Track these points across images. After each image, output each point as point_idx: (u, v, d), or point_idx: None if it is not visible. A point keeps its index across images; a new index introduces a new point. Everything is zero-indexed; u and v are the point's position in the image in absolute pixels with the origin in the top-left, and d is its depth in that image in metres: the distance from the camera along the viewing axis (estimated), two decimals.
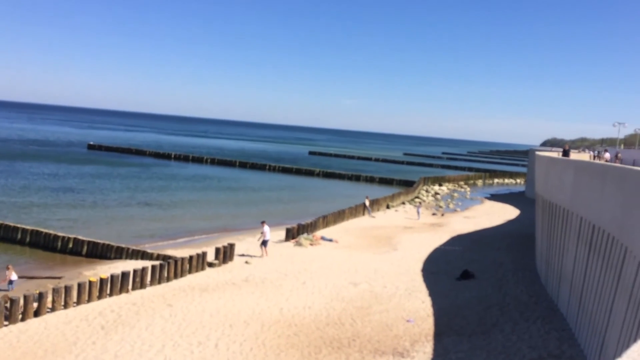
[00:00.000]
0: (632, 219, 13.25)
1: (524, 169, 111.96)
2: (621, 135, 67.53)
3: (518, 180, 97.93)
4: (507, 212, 52.69)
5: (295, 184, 68.06)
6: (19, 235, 28.72)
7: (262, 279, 23.44)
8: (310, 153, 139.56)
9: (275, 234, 34.05)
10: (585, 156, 39.72)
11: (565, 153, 32.05)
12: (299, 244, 30.92)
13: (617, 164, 21.53)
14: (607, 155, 38.07)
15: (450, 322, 19.19)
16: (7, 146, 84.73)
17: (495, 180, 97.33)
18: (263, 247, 27.58)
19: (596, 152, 46.20)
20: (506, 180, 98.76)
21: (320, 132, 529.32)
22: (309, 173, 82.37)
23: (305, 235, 32.32)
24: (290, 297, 21.07)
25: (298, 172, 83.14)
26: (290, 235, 32.29)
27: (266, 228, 27.64)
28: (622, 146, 65.96)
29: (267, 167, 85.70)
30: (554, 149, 77.05)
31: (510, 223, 45.98)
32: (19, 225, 29.26)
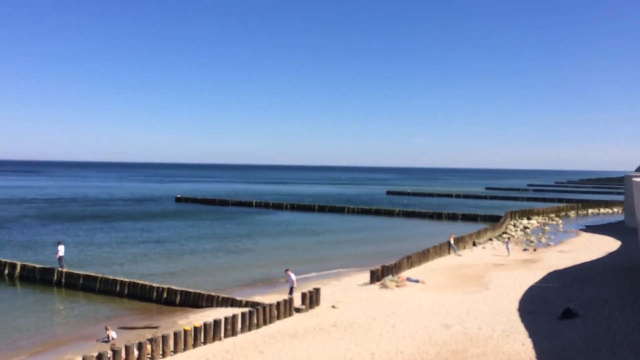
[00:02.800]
0: None
1: (620, 197, 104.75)
2: None
3: (615, 209, 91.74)
4: (606, 244, 49.12)
5: (376, 225, 67.51)
6: (118, 288, 30.36)
7: (350, 324, 23.06)
8: (388, 193, 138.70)
9: (359, 277, 33.78)
10: None
11: None
12: (384, 286, 30.30)
13: None
14: None
15: None
16: (103, 204, 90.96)
17: (590, 211, 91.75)
18: (289, 295, 27.02)
19: None
20: (601, 210, 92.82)
21: (393, 172, 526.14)
22: (389, 213, 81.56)
23: (390, 276, 31.66)
24: (381, 342, 20.50)
25: (377, 212, 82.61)
26: (375, 277, 31.76)
27: (292, 276, 27.47)
28: None
29: (346, 209, 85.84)
30: None
31: (611, 255, 42.74)
32: (117, 278, 30.98)
